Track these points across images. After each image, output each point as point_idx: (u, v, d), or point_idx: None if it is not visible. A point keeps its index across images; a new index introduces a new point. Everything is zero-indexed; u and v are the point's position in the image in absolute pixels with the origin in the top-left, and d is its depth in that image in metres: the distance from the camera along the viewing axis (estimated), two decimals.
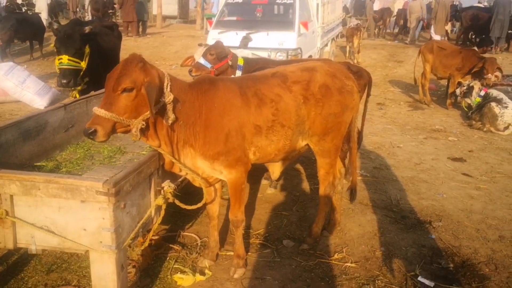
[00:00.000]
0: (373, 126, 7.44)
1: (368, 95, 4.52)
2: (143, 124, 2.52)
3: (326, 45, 11.51)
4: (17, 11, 13.79)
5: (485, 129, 7.35)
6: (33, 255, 3.22)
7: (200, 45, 9.75)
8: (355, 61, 12.58)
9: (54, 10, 17.44)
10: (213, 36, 9.02)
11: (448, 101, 8.99)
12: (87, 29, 4.96)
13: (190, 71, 4.84)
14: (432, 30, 15.84)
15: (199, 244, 3.60)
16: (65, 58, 4.76)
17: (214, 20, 9.62)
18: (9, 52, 12.25)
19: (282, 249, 3.61)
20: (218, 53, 4.77)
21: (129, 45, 13.77)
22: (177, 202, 2.77)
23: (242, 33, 8.77)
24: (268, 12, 9.70)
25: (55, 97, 8.79)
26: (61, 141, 3.79)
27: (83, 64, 4.95)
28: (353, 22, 14.91)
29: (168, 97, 2.56)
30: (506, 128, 7.19)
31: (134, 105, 2.50)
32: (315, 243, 3.62)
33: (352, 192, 3.72)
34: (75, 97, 5.36)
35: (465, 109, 8.41)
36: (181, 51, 14.97)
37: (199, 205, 2.91)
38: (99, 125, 2.45)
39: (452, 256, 3.51)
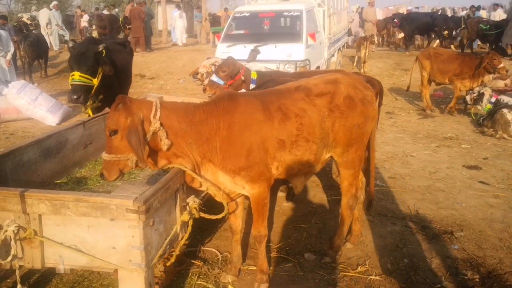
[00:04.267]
0: (384, 135, 7.42)
1: (380, 104, 4.50)
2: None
3: (333, 55, 11.55)
4: (25, 31, 13.96)
5: (497, 136, 7.31)
6: (54, 274, 3.21)
7: (209, 58, 9.86)
8: (362, 71, 12.59)
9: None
10: (222, 49, 9.10)
11: (450, 105, 9.01)
12: (100, 47, 5.01)
13: (204, 90, 4.86)
14: None
15: (220, 259, 3.57)
16: (76, 75, 4.81)
17: (222, 34, 9.70)
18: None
19: (304, 263, 3.58)
20: (230, 70, 4.79)
21: (137, 61, 13.81)
22: (201, 214, 2.75)
23: (250, 46, 8.80)
24: (275, 24, 9.77)
25: (66, 114, 8.88)
26: (80, 158, 3.81)
27: (95, 81, 4.99)
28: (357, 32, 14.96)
29: (154, 125, 2.58)
30: None
31: (124, 144, 2.57)
32: (337, 256, 3.59)
33: (370, 203, 3.70)
34: (88, 114, 5.43)
35: (473, 116, 8.42)
36: (188, 65, 15.06)
37: (222, 214, 2.89)
38: (104, 168, 2.63)
39: (477, 267, 3.46)
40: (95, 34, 16.09)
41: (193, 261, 3.47)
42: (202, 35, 21.76)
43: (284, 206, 4.59)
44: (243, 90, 4.62)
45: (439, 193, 4.97)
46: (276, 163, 2.96)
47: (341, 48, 12.76)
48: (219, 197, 2.95)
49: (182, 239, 2.64)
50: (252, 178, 2.88)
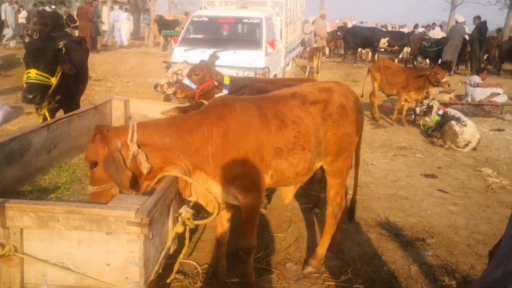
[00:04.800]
0: None
1: None
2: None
3: (288, 64, 11.68)
4: None
5: (446, 146, 7.73)
6: None
7: (165, 62, 9.56)
8: None
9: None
10: (179, 53, 8.88)
11: (393, 117, 9.45)
12: (61, 44, 4.65)
13: (175, 93, 4.66)
14: None
15: (200, 272, 3.39)
16: (33, 72, 4.40)
17: (179, 37, 9.46)
18: None
19: (286, 273, 3.50)
20: (204, 73, 4.63)
21: None
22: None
23: (209, 51, 8.66)
24: (234, 30, 9.70)
25: (7, 114, 8.16)
26: (43, 164, 3.48)
27: (53, 81, 4.61)
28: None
29: (132, 149, 2.46)
30: (466, 145, 7.59)
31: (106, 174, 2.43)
32: (320, 266, 3.55)
33: (352, 212, 3.71)
34: (44, 115, 5.01)
35: (422, 127, 8.87)
36: (137, 68, 14.58)
37: (211, 219, 2.74)
38: (92, 200, 2.46)
39: (453, 273, 3.58)
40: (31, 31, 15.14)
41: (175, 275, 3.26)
42: (150, 38, 21.23)
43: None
44: (220, 95, 4.48)
45: (404, 200, 5.13)
46: (271, 171, 2.87)
47: (295, 58, 12.95)
48: (211, 207, 2.79)
49: (182, 253, 2.46)
50: (245, 188, 2.76)
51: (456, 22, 14.30)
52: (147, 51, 17.84)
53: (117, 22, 19.70)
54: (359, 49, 18.74)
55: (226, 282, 3.21)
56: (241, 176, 2.72)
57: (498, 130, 9.02)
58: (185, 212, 2.53)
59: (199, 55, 8.56)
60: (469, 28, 15.82)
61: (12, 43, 16.60)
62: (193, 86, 4.58)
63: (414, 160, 6.89)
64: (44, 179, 3.38)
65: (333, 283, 3.36)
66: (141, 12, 25.31)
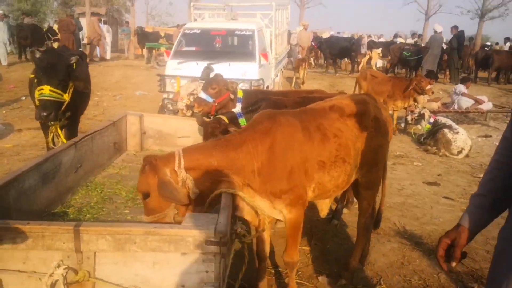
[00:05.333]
0: None
1: None
2: (175, 212, 2.49)
3: (277, 75, 11.79)
4: None
5: (440, 154, 7.94)
6: None
7: (158, 75, 9.47)
8: None
9: None
10: (172, 66, 8.86)
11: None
12: (73, 59, 4.56)
13: (191, 107, 4.64)
14: None
15: None
16: (46, 89, 4.30)
17: (172, 50, 9.42)
18: None
19: (320, 286, 3.51)
20: (220, 87, 4.63)
21: None
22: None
23: (203, 64, 8.63)
24: (227, 42, 9.74)
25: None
26: (72, 183, 3.41)
27: (66, 97, 4.53)
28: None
29: (180, 175, 2.48)
30: (460, 152, 7.83)
31: (162, 202, 2.45)
32: (352, 277, 3.58)
33: (378, 221, 3.78)
34: (57, 132, 4.89)
35: (413, 135, 9.10)
36: (122, 81, 14.39)
37: (258, 234, 2.81)
38: None
39: (480, 279, 3.67)
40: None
41: None
42: (130, 50, 21.01)
43: (278, 228, 4.49)
44: (237, 109, 4.48)
45: (415, 209, 5.24)
46: (313, 185, 2.89)
47: (282, 69, 13.08)
48: (256, 222, 2.79)
49: (243, 269, 2.44)
50: (291, 202, 2.77)
51: (435, 31, 14.80)
52: (130, 63, 17.65)
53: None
54: (339, 60, 19.08)
55: None
56: (288, 191, 2.73)
57: (485, 136, 9.36)
58: (240, 228, 2.52)
59: (193, 68, 8.55)
60: (445, 38, 16.40)
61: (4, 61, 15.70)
62: (210, 99, 4.58)
63: (413, 168, 7.06)
64: (74, 199, 3.29)
65: None
66: (118, 25, 25.06)
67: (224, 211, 2.16)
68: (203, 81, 6.05)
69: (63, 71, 4.43)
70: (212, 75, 8.99)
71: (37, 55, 4.46)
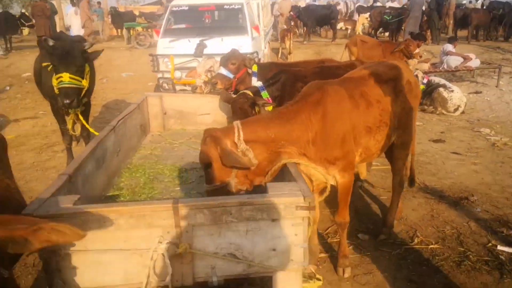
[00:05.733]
0: None
1: None
2: (236, 180, 2.58)
3: (265, 47, 11.76)
4: None
5: (437, 112, 8.20)
6: None
7: (151, 55, 9.32)
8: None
9: None
10: (164, 45, 8.72)
11: None
12: (87, 45, 4.50)
13: (214, 84, 4.64)
14: None
15: None
16: (66, 76, 4.26)
17: (161, 29, 9.26)
18: None
19: (362, 243, 3.70)
20: (239, 62, 4.65)
21: None
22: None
23: (195, 40, 8.57)
24: (216, 18, 9.62)
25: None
26: (115, 167, 3.43)
27: (85, 83, 4.50)
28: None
29: (240, 146, 2.56)
30: (456, 109, 8.10)
31: (224, 172, 2.54)
32: (390, 232, 3.77)
33: (413, 179, 3.98)
34: (74, 120, 4.86)
35: None
36: (105, 64, 14.03)
37: (322, 198, 2.99)
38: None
39: (508, 224, 3.92)
40: None
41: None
42: (105, 31, 20.43)
43: None
44: (259, 83, 4.52)
45: (428, 165, 5.47)
46: (360, 149, 3.02)
47: (269, 41, 13.03)
48: (311, 188, 2.91)
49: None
50: (344, 167, 2.90)
51: None
52: (108, 45, 17.17)
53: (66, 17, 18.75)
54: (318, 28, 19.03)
55: (319, 258, 3.36)
56: (341, 157, 2.85)
57: (476, 92, 9.66)
58: None
59: (185, 45, 8.47)
60: None
61: None
62: (231, 75, 4.60)
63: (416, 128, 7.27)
64: (122, 181, 3.34)
65: (411, 247, 3.60)
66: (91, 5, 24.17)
67: (300, 179, 2.27)
68: (213, 59, 6.05)
69: (80, 57, 4.38)
70: (205, 51, 8.95)
71: (50, 43, 4.38)
